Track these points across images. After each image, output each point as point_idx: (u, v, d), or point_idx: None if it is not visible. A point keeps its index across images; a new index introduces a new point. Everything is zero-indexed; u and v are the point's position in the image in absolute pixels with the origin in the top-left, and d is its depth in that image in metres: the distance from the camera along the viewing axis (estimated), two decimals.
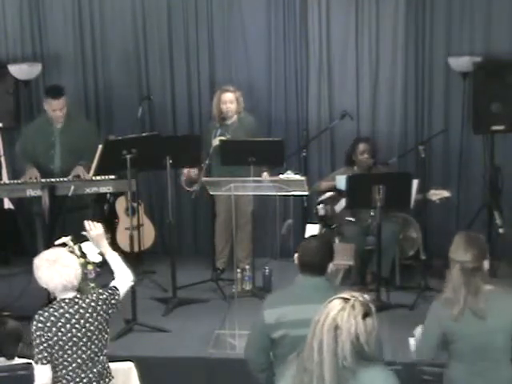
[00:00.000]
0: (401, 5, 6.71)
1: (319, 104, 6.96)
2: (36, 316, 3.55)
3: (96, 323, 3.59)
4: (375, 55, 6.84)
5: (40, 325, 3.52)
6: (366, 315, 2.52)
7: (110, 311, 3.66)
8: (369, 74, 6.86)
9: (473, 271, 3.50)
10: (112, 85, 7.20)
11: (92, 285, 4.60)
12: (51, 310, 3.56)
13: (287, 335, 3.44)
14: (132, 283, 3.90)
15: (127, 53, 7.14)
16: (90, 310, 3.59)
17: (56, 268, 3.57)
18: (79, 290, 3.75)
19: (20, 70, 6.85)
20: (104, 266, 4.27)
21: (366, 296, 2.61)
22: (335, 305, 2.52)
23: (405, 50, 6.78)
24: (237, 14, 6.95)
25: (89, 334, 3.58)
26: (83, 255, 4.71)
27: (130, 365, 4.23)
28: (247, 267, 6.29)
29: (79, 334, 3.55)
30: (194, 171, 6.39)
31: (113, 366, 3.85)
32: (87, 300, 3.61)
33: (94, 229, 3.94)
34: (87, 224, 3.96)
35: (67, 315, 3.55)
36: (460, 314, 3.46)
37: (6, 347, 4.09)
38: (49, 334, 3.52)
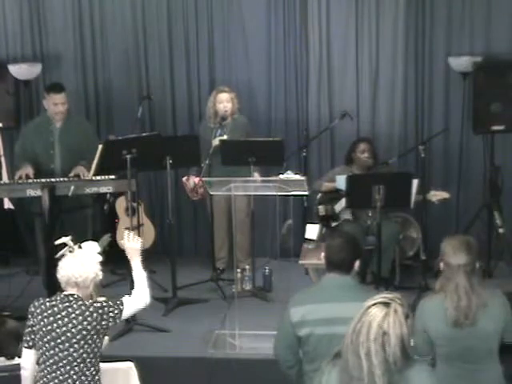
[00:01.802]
0: (401, 5, 6.71)
1: (319, 104, 6.96)
2: (36, 301, 3.68)
3: (79, 327, 3.55)
4: (375, 55, 6.84)
5: (32, 309, 3.64)
6: (407, 316, 2.53)
7: (103, 322, 3.60)
8: (369, 73, 6.87)
9: (472, 274, 3.50)
10: (112, 85, 7.20)
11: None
12: (47, 299, 3.65)
13: (312, 333, 3.45)
14: (144, 306, 3.82)
15: (127, 53, 7.14)
16: (77, 312, 3.57)
17: (71, 261, 3.65)
18: None
19: (20, 70, 6.86)
20: (104, 266, 4.26)
21: (397, 294, 2.61)
22: (377, 312, 2.50)
23: (405, 50, 6.78)
24: (237, 14, 6.96)
25: (68, 334, 3.55)
26: None
27: (130, 365, 4.23)
28: (247, 267, 6.29)
29: (58, 331, 3.56)
30: (192, 180, 6.39)
31: (113, 365, 3.85)
32: (80, 303, 3.60)
33: (132, 242, 3.93)
34: (126, 234, 3.96)
35: (55, 308, 3.58)
36: (459, 319, 3.45)
37: (6, 347, 4.09)
38: (35, 320, 3.61)
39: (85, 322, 3.56)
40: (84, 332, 3.55)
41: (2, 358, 4.07)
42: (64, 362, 3.56)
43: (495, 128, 6.32)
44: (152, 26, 7.07)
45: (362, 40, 6.82)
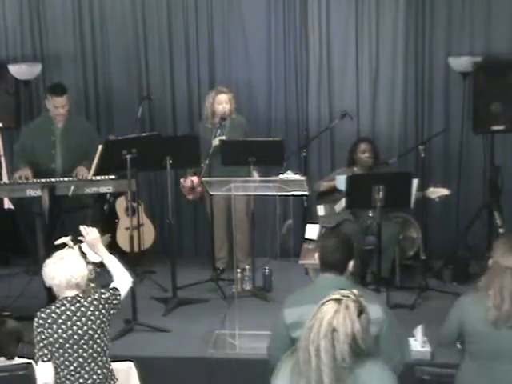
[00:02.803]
0: (401, 5, 6.72)
1: (319, 104, 6.96)
2: (38, 313, 3.59)
3: (98, 321, 3.60)
4: (375, 55, 6.84)
5: (41, 321, 3.56)
6: (360, 313, 2.52)
7: (111, 311, 3.67)
8: (369, 73, 6.87)
9: None
10: (112, 85, 7.20)
11: (92, 285, 4.59)
12: (53, 307, 3.60)
13: None
14: (131, 284, 3.91)
15: (127, 53, 7.14)
16: (92, 308, 3.60)
17: (62, 263, 3.64)
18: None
19: (20, 70, 6.86)
20: (104, 266, 4.27)
21: (355, 290, 2.60)
22: (328, 308, 2.51)
23: (405, 50, 6.78)
24: (237, 14, 6.96)
25: (90, 332, 3.58)
26: (83, 255, 4.70)
27: (130, 365, 4.24)
28: (247, 267, 6.29)
29: (80, 332, 3.56)
30: (190, 179, 6.38)
31: (113, 365, 3.85)
32: (89, 299, 3.62)
33: (90, 233, 3.95)
34: (83, 229, 3.97)
35: (68, 313, 3.57)
36: (499, 320, 3.44)
37: (6, 347, 4.09)
38: (49, 331, 3.54)
39: (101, 316, 3.61)
40: (102, 325, 3.61)
41: (2, 358, 4.07)
42: (89, 360, 3.59)
43: (495, 128, 6.32)
44: (152, 26, 7.07)
45: (362, 40, 6.83)
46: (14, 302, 5.68)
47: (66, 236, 4.74)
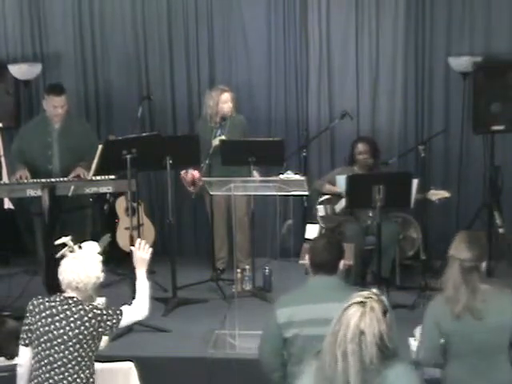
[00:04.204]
0: (401, 5, 6.72)
1: (319, 104, 6.96)
2: (36, 299, 3.69)
3: (76, 331, 3.56)
4: (375, 55, 6.84)
5: (31, 307, 3.66)
6: (385, 312, 2.53)
7: (100, 329, 3.61)
8: (369, 73, 6.87)
9: (471, 270, 3.49)
10: (112, 85, 7.20)
11: (92, 289, 4.58)
12: (46, 299, 3.65)
13: (299, 335, 3.45)
14: (142, 318, 3.86)
15: (127, 53, 7.15)
16: (75, 316, 3.58)
17: (73, 263, 3.65)
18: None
19: (20, 70, 6.86)
20: (104, 266, 4.26)
21: (374, 290, 2.62)
22: (354, 312, 2.51)
23: (405, 50, 6.78)
24: (237, 14, 6.96)
25: (64, 337, 3.56)
26: None
27: (130, 365, 4.23)
28: (247, 267, 6.29)
29: (55, 333, 3.57)
30: (191, 173, 6.38)
31: (113, 365, 3.86)
32: (79, 307, 3.60)
33: (142, 251, 3.93)
34: (138, 243, 3.95)
35: (54, 310, 3.59)
36: (461, 313, 3.45)
37: (6, 347, 4.10)
38: (32, 319, 3.62)
39: (82, 327, 3.56)
40: (80, 336, 3.56)
41: (2, 358, 4.08)
42: (59, 363, 3.58)
43: (495, 128, 6.32)
44: (152, 26, 7.07)
45: (362, 40, 6.83)
46: (14, 302, 5.68)
47: (66, 236, 4.74)
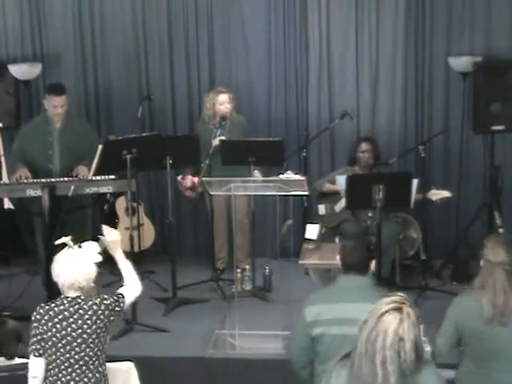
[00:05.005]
0: (401, 4, 6.72)
1: (319, 104, 6.96)
2: (37, 308, 3.62)
3: (94, 327, 3.57)
4: (375, 55, 6.84)
5: (38, 317, 3.58)
6: (418, 317, 2.53)
7: (111, 318, 3.65)
8: (369, 73, 6.87)
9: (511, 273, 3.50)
10: (112, 85, 7.20)
11: (92, 285, 4.59)
12: (52, 305, 3.60)
13: (326, 333, 3.47)
14: (139, 293, 3.89)
15: (127, 53, 7.14)
16: (90, 313, 3.58)
17: (70, 264, 3.62)
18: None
19: (20, 70, 6.86)
20: (104, 266, 4.27)
21: (403, 295, 2.60)
22: (391, 319, 2.49)
23: (405, 50, 6.78)
24: (237, 14, 6.96)
25: (84, 336, 3.56)
26: None
27: (130, 365, 4.22)
28: (247, 267, 6.29)
29: (74, 334, 3.55)
30: (190, 179, 6.39)
31: (113, 365, 3.85)
32: (90, 302, 3.61)
33: (111, 234, 3.94)
34: (104, 228, 3.96)
35: (66, 313, 3.56)
36: (494, 317, 3.45)
37: (6, 347, 4.09)
38: (44, 328, 3.56)
39: (98, 321, 3.58)
40: (98, 330, 3.59)
41: (2, 358, 4.07)
42: (80, 363, 3.57)
43: (495, 128, 6.32)
44: (152, 26, 7.07)
45: (362, 40, 6.83)
46: (14, 302, 5.68)
47: (66, 236, 4.74)
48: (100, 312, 3.59)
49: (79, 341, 3.56)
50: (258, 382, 4.94)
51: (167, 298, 5.97)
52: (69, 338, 3.55)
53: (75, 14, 7.11)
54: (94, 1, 7.09)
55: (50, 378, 3.60)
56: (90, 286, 3.71)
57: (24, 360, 4.00)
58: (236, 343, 5.13)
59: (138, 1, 7.03)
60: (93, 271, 3.68)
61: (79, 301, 3.60)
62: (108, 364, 3.94)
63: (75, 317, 3.56)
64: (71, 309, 3.57)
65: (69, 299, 3.60)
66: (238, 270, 6.12)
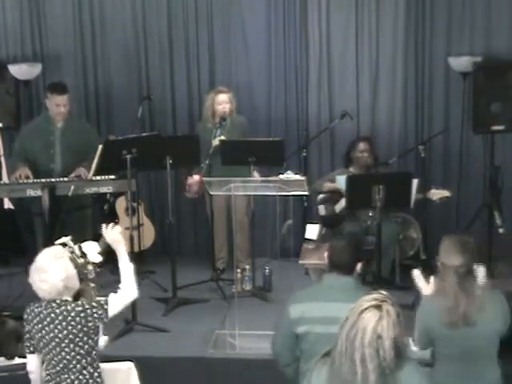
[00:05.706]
0: (401, 5, 6.72)
1: (319, 104, 6.96)
2: (28, 307, 3.66)
3: (65, 332, 3.56)
4: (375, 55, 6.84)
5: (29, 317, 3.64)
6: (398, 315, 2.52)
7: (89, 324, 3.57)
8: (369, 73, 6.87)
9: (466, 275, 3.48)
10: (112, 85, 7.20)
11: (92, 285, 4.58)
12: (42, 307, 3.61)
13: (310, 331, 3.48)
14: (133, 299, 3.81)
15: (127, 52, 7.14)
16: (60, 318, 3.57)
17: (35, 277, 3.60)
18: (79, 291, 3.75)
19: (20, 70, 6.85)
20: (104, 266, 4.27)
21: (385, 293, 2.60)
22: (370, 316, 2.48)
23: (405, 50, 6.78)
24: (237, 14, 6.96)
25: (56, 340, 3.57)
26: (83, 255, 4.70)
27: (130, 365, 4.23)
28: (247, 267, 6.29)
29: (47, 337, 3.58)
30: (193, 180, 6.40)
31: (113, 366, 3.85)
32: (62, 308, 3.57)
33: (111, 232, 3.89)
34: (104, 227, 3.93)
35: (53, 315, 3.57)
36: (458, 321, 3.44)
37: (6, 347, 4.10)
38: (35, 328, 3.60)
39: (69, 327, 3.55)
40: (71, 336, 3.56)
41: (2, 358, 4.07)
42: (60, 365, 3.60)
43: (495, 128, 6.32)
44: (152, 26, 7.07)
45: (362, 40, 6.83)
46: (14, 302, 5.68)
47: (66, 236, 4.74)
48: (70, 318, 3.55)
49: (53, 344, 3.58)
50: (258, 382, 4.94)
51: (167, 298, 5.97)
52: (44, 340, 3.60)
53: (75, 14, 7.11)
54: (93, 1, 7.08)
55: (47, 377, 3.67)
56: (86, 284, 3.70)
57: (24, 360, 4.01)
58: (236, 343, 5.13)
59: (138, 0, 7.03)
60: (60, 280, 3.56)
61: (53, 305, 3.59)
62: (108, 364, 3.94)
63: (48, 320, 3.58)
64: (45, 311, 3.59)
65: (57, 301, 3.60)
66: (238, 270, 6.12)
